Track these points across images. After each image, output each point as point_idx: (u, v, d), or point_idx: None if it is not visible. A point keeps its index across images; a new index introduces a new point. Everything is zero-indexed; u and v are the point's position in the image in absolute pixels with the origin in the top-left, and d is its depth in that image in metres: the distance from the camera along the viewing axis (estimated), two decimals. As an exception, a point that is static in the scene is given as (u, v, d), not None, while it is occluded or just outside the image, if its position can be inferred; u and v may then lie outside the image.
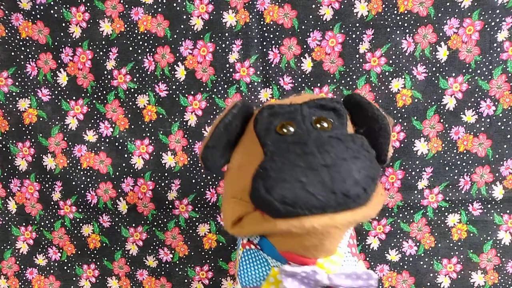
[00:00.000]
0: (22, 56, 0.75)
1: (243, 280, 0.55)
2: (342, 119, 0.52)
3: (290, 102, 0.55)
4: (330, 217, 0.45)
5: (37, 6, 0.73)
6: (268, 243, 0.52)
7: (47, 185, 0.80)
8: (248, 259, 0.55)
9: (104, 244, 0.81)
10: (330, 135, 0.49)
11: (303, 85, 0.72)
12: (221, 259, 0.79)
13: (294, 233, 0.47)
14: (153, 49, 0.73)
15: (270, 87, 0.73)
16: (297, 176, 0.45)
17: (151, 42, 0.73)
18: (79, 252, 0.82)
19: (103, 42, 0.73)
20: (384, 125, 0.51)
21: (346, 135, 0.49)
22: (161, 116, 0.75)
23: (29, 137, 0.78)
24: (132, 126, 0.76)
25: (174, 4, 0.71)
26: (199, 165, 0.76)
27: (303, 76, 0.72)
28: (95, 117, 0.77)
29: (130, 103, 0.76)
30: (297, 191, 0.44)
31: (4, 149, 0.79)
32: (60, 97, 0.77)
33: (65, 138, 0.78)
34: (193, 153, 0.76)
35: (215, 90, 0.74)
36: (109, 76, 0.75)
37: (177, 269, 0.81)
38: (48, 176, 0.79)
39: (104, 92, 0.76)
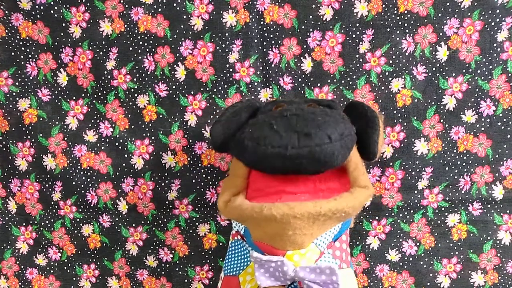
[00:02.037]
0: (22, 56, 0.75)
1: (226, 268, 0.56)
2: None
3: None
4: (289, 207, 0.47)
5: (37, 6, 0.73)
6: (248, 233, 0.53)
7: (47, 185, 0.80)
8: (233, 249, 0.57)
9: (104, 244, 0.81)
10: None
11: (303, 85, 0.72)
12: (221, 259, 0.79)
13: (258, 220, 0.49)
14: (153, 49, 0.73)
15: (270, 87, 0.73)
16: (268, 120, 0.50)
17: (151, 42, 0.73)
18: (79, 252, 0.82)
19: (103, 42, 0.73)
20: (372, 116, 0.54)
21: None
22: (161, 116, 0.75)
23: (29, 137, 0.78)
24: (132, 126, 0.76)
25: (174, 4, 0.71)
26: (199, 165, 0.76)
27: (303, 76, 0.72)
28: (95, 117, 0.77)
29: (130, 103, 0.76)
30: (265, 129, 0.49)
31: (4, 149, 0.79)
32: (60, 97, 0.77)
33: (65, 138, 0.78)
34: (193, 153, 0.76)
35: (215, 90, 0.74)
36: (109, 76, 0.75)
37: (177, 269, 0.81)
38: (48, 176, 0.79)
39: (104, 92, 0.76)
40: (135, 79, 0.75)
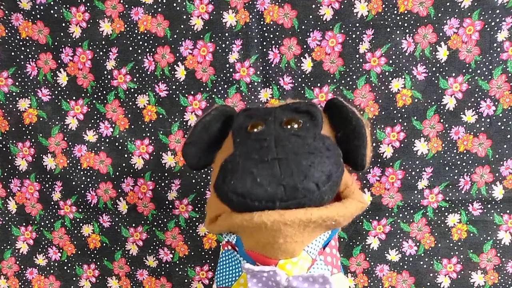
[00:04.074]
0: (22, 56, 0.75)
1: (218, 280, 0.55)
2: (316, 121, 0.52)
3: (267, 107, 0.56)
4: (279, 213, 0.45)
5: (37, 6, 0.73)
6: (240, 243, 0.52)
7: (47, 185, 0.80)
8: (224, 260, 0.56)
9: (104, 244, 0.81)
10: (293, 133, 0.49)
11: (303, 85, 0.72)
12: (221, 259, 0.80)
13: (249, 229, 0.47)
14: (153, 49, 0.73)
15: (270, 87, 0.73)
16: (249, 167, 0.46)
17: (151, 42, 0.73)
18: (79, 252, 0.82)
19: (103, 42, 0.73)
20: (359, 126, 0.51)
21: (308, 134, 0.50)
22: (161, 116, 0.75)
23: (29, 137, 0.78)
24: (132, 126, 0.76)
25: (174, 4, 0.71)
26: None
27: (303, 76, 0.72)
28: (95, 117, 0.77)
29: (130, 103, 0.76)
30: (247, 182, 0.45)
31: (4, 149, 0.79)
32: (60, 97, 0.77)
33: (65, 138, 0.78)
34: (193, 153, 0.76)
35: (215, 90, 0.74)
36: (109, 76, 0.75)
37: (177, 269, 0.81)
38: (48, 176, 0.79)
39: (104, 92, 0.76)
40: (135, 79, 0.75)
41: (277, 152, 0.47)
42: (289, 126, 0.50)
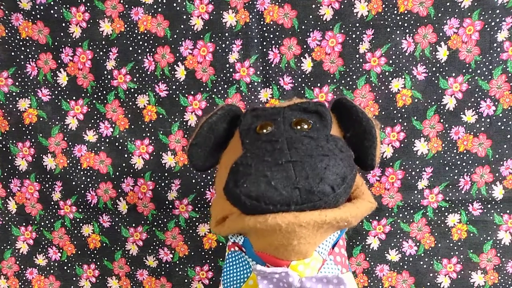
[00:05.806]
0: (22, 56, 0.75)
1: (225, 281, 0.55)
2: (325, 121, 0.52)
3: (275, 106, 0.55)
4: (294, 215, 0.45)
5: (37, 6, 0.73)
6: (249, 244, 0.52)
7: (47, 185, 0.80)
8: (231, 261, 0.55)
9: (104, 244, 0.81)
10: (304, 134, 0.49)
11: (303, 85, 0.72)
12: (221, 259, 0.79)
13: (262, 231, 0.47)
14: (153, 49, 0.73)
15: (270, 87, 0.73)
16: (263, 170, 0.45)
17: (151, 42, 0.73)
18: (79, 252, 0.82)
19: (103, 42, 0.73)
20: (369, 127, 0.51)
21: (320, 135, 0.49)
22: (161, 116, 0.75)
23: (29, 137, 0.78)
24: (132, 126, 0.76)
25: (174, 4, 0.71)
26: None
27: (303, 76, 0.72)
28: (95, 117, 0.77)
29: (130, 103, 0.76)
30: (261, 185, 0.45)
31: (4, 149, 0.79)
32: (60, 97, 0.77)
33: (65, 138, 0.78)
34: (193, 153, 0.76)
35: (215, 90, 0.74)
36: (109, 76, 0.75)
37: (177, 269, 0.81)
38: (48, 176, 0.79)
39: (104, 92, 0.76)
40: (135, 79, 0.75)
41: (290, 154, 0.46)
42: (299, 127, 0.50)
